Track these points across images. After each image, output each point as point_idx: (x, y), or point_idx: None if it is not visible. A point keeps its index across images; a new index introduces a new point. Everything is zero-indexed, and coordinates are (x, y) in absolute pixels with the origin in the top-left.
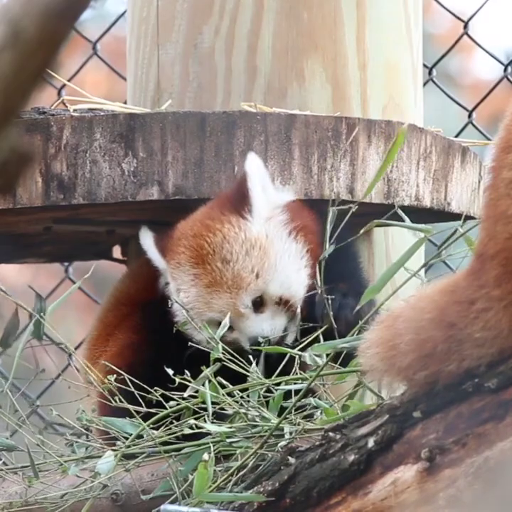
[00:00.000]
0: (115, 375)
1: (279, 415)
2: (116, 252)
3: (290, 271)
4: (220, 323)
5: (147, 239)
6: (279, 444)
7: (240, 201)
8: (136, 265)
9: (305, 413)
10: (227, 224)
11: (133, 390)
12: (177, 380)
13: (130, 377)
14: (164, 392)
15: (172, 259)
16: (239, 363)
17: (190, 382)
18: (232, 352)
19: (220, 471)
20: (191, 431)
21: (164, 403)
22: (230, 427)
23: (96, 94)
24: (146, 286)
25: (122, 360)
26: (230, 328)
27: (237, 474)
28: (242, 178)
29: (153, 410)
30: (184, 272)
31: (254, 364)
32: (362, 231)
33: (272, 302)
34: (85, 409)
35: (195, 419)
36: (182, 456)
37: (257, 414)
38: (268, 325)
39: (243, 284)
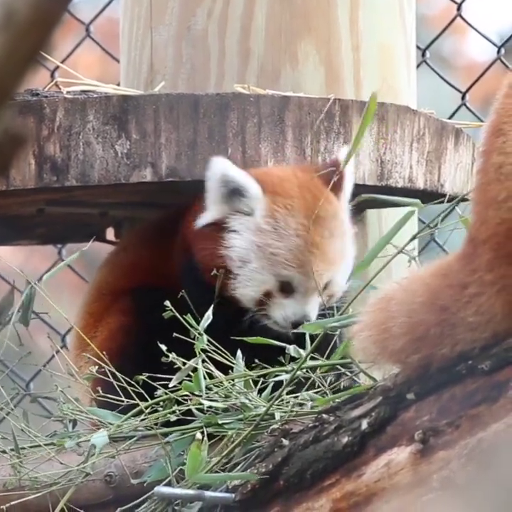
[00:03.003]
0: (97, 367)
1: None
2: (110, 234)
3: (349, 270)
4: (278, 288)
5: (231, 164)
6: (270, 427)
7: (338, 186)
8: (111, 254)
9: (297, 401)
10: (336, 202)
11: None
12: (171, 357)
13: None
14: (155, 375)
15: (279, 196)
16: (223, 354)
17: (184, 363)
18: (216, 344)
19: (213, 455)
20: (177, 417)
21: (157, 386)
22: (225, 405)
23: (89, 76)
24: (124, 274)
25: (114, 343)
26: (271, 304)
27: (229, 457)
28: (335, 163)
29: (137, 402)
30: (294, 217)
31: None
32: (351, 203)
33: (329, 292)
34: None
35: (182, 407)
36: (175, 438)
37: (247, 400)
38: (316, 311)
39: (336, 263)
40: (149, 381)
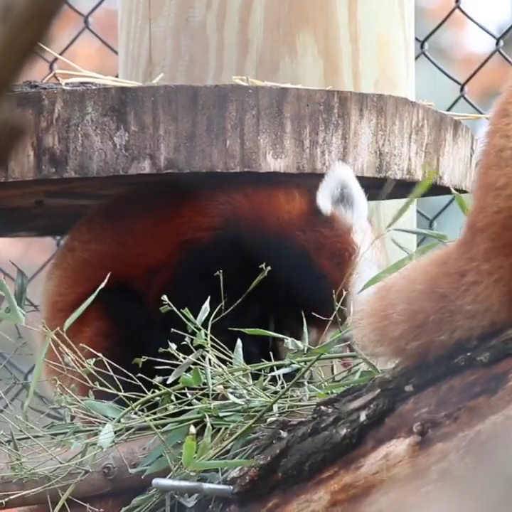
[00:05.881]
0: (94, 359)
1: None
2: None
3: None
4: None
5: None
6: (268, 420)
7: None
8: (57, 260)
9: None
10: None
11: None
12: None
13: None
14: (155, 359)
15: None
16: (221, 349)
17: (179, 356)
18: (214, 338)
19: (210, 446)
20: (175, 410)
21: (152, 382)
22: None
23: (88, 68)
24: (78, 278)
25: (96, 349)
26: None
27: (227, 448)
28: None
29: (134, 395)
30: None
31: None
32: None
33: None
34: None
35: (180, 403)
36: (172, 427)
37: (246, 393)
38: None
39: None
40: (144, 376)
